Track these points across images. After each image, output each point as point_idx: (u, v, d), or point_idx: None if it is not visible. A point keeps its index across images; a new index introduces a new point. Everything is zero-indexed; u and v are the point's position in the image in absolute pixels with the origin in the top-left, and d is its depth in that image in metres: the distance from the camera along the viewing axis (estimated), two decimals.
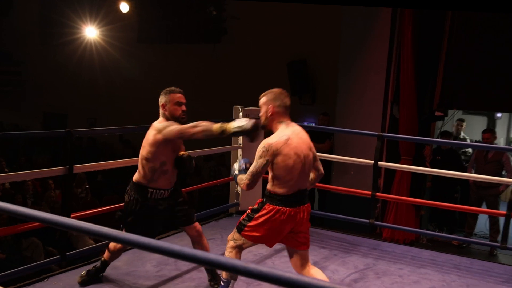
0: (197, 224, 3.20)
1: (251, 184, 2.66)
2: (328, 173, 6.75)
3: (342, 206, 6.01)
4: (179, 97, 3.00)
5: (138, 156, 3.04)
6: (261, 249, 4.11)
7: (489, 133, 6.07)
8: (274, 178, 2.67)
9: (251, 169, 2.64)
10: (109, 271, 3.47)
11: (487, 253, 5.91)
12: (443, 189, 6.22)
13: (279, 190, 2.67)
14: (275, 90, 2.74)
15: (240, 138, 4.77)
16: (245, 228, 2.74)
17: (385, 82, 6.27)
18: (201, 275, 3.52)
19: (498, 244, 4.20)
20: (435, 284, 3.65)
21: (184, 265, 3.65)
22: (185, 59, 9.83)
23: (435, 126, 6.68)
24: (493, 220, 5.95)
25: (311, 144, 2.81)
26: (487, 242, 5.78)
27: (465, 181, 6.17)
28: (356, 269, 3.85)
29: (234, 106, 4.89)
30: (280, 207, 2.67)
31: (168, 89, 3.01)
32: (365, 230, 5.19)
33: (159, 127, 2.92)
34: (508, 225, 3.96)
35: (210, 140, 6.33)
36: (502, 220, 4.48)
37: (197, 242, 3.18)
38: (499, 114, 9.20)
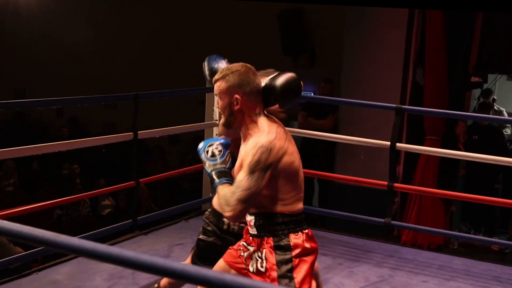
0: None
1: (244, 210, 2.30)
2: (332, 159, 6.80)
3: (349, 201, 6.06)
4: None
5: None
6: None
7: None
8: (278, 191, 2.37)
9: (244, 183, 2.25)
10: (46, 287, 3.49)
11: None
12: (481, 178, 6.30)
13: (290, 208, 2.40)
14: (237, 67, 2.38)
15: (216, 113, 4.78)
16: None
17: (406, 38, 6.28)
18: None
19: None
20: None
21: (144, 278, 3.68)
22: (136, 12, 9.74)
23: (471, 96, 6.73)
24: None
25: None
26: None
27: (509, 169, 6.26)
28: (368, 282, 3.91)
29: None
30: (305, 231, 2.43)
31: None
32: (379, 232, 5.25)
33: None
34: None
35: (177, 116, 6.32)
36: None
37: None
38: None
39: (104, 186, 6.40)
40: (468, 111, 6.44)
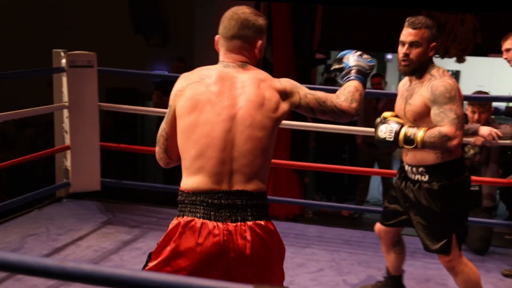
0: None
1: (162, 155, 2.21)
2: None
3: None
4: None
5: None
6: (104, 243, 3.98)
7: (379, 77, 6.49)
8: (181, 154, 2.04)
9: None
10: None
11: None
12: (329, 149, 6.57)
13: (184, 182, 1.97)
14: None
15: (65, 93, 4.51)
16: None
17: None
18: (20, 285, 3.32)
19: None
20: (323, 265, 3.85)
21: None
22: None
23: (316, 72, 6.97)
24: (387, 183, 6.44)
25: (267, 103, 2.05)
26: (381, 209, 6.24)
27: (354, 139, 6.57)
28: None
29: (53, 50, 4.62)
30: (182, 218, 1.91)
31: None
32: None
33: None
34: None
35: (24, 98, 5.90)
36: None
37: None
38: (389, 56, 9.90)
39: None
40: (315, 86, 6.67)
